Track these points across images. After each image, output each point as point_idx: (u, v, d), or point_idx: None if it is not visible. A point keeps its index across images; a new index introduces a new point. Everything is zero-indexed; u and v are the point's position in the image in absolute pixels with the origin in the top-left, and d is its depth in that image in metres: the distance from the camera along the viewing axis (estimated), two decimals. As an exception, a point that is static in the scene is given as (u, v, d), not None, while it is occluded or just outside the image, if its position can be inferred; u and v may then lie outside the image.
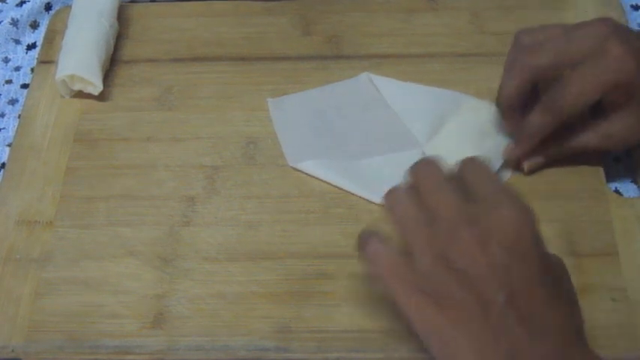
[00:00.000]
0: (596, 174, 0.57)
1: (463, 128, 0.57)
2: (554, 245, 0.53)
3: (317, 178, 0.58)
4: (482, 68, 0.62)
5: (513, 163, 0.57)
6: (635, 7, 0.70)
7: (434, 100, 0.61)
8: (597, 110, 0.55)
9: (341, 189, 0.57)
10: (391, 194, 0.46)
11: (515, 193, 0.44)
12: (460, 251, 0.42)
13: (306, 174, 0.58)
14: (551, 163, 0.58)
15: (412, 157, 0.56)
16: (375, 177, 0.57)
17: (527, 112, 0.55)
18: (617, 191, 0.58)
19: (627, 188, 0.59)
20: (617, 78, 0.51)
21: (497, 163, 0.57)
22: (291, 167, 0.59)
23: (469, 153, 0.54)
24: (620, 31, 0.53)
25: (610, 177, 0.59)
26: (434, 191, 0.44)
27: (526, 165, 0.57)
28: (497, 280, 0.41)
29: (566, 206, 0.56)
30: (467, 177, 0.45)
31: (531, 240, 0.42)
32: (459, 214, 0.43)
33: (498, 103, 0.58)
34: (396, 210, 0.45)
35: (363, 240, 0.45)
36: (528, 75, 0.54)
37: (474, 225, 0.42)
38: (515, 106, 0.56)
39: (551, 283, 0.42)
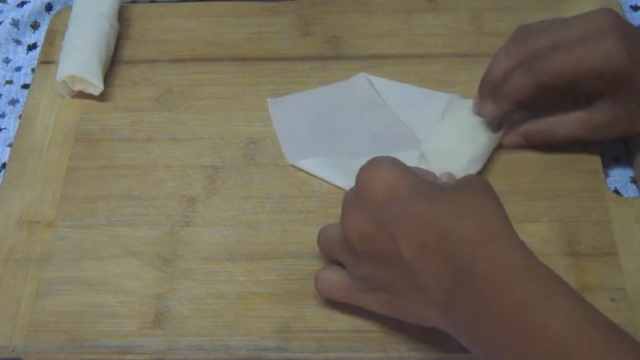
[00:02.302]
0: (596, 174, 0.57)
1: (458, 127, 0.57)
2: (554, 245, 0.54)
3: (316, 177, 0.58)
4: (482, 68, 0.61)
5: (488, 120, 0.57)
6: (635, 8, 0.70)
7: (430, 101, 0.61)
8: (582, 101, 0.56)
9: (340, 188, 0.57)
10: (318, 235, 0.51)
11: (373, 161, 0.47)
12: (352, 234, 0.46)
13: (306, 174, 0.58)
14: (551, 163, 0.58)
15: (410, 156, 0.56)
16: None
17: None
18: (616, 191, 0.58)
19: (627, 188, 0.59)
20: (605, 65, 0.51)
21: (485, 158, 0.57)
22: (291, 166, 0.59)
23: (464, 151, 0.55)
24: (621, 22, 0.53)
25: (610, 177, 0.59)
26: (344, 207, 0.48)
27: (505, 141, 0.57)
28: (386, 234, 0.44)
29: (566, 206, 0.56)
30: None
31: (392, 184, 0.45)
32: (347, 207, 0.47)
33: (482, 83, 0.57)
34: (320, 243, 0.51)
35: (316, 277, 0.51)
36: (520, 58, 0.54)
37: (352, 204, 0.46)
38: (497, 89, 0.56)
39: (441, 200, 0.44)
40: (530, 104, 0.56)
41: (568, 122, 0.56)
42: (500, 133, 0.58)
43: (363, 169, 0.46)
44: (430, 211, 0.43)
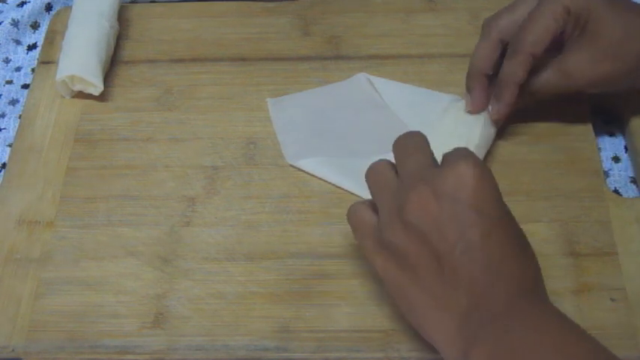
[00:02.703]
0: (595, 174, 0.57)
1: (454, 127, 0.57)
2: (554, 245, 0.54)
3: (316, 177, 0.58)
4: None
5: (500, 123, 0.58)
6: (635, 8, 0.70)
7: (430, 101, 0.61)
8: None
9: (340, 188, 0.57)
10: (371, 166, 0.48)
11: (478, 158, 0.45)
12: (414, 208, 0.43)
13: (306, 173, 0.58)
14: (551, 163, 0.58)
15: None
16: None
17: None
18: (616, 191, 0.58)
19: (627, 188, 0.59)
20: (566, 4, 0.53)
21: (482, 156, 0.57)
22: (291, 166, 0.59)
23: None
24: None
25: (610, 177, 0.59)
26: (405, 158, 0.46)
27: (493, 116, 0.57)
28: (450, 233, 0.42)
29: (566, 206, 0.56)
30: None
31: (486, 193, 0.43)
32: (420, 174, 0.44)
33: (468, 75, 0.58)
34: (372, 177, 0.48)
35: (352, 205, 0.49)
36: (496, 34, 0.56)
37: (430, 181, 0.44)
38: (483, 76, 0.57)
39: (511, 237, 0.43)
40: None
41: (543, 72, 0.56)
42: (494, 129, 0.58)
43: (458, 153, 0.45)
44: (497, 239, 0.43)
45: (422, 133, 0.48)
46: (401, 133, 0.49)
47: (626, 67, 0.55)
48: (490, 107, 0.57)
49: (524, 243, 0.45)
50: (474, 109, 0.57)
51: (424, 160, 0.46)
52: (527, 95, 0.57)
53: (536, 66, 0.55)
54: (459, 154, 0.44)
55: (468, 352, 0.41)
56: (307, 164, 0.58)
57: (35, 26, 0.72)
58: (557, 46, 0.56)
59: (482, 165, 0.44)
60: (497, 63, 0.56)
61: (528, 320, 0.41)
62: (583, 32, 0.54)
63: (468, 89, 0.58)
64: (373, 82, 0.63)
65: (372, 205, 0.48)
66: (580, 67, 0.55)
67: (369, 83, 0.63)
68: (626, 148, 0.61)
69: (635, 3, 0.57)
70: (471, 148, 0.56)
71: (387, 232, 0.45)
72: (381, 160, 0.48)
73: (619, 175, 0.59)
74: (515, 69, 0.55)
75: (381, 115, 0.61)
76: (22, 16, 0.71)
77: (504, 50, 0.56)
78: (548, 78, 0.56)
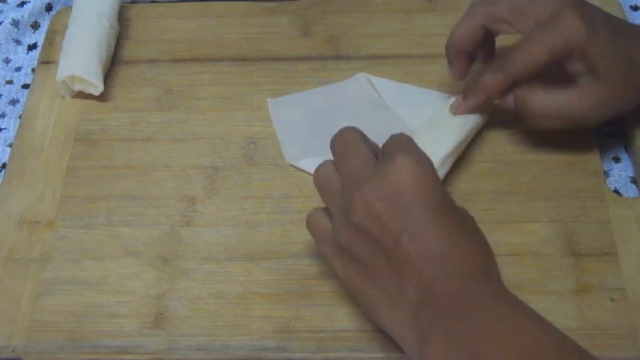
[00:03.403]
0: (596, 174, 0.57)
1: (453, 124, 0.57)
2: (553, 245, 0.54)
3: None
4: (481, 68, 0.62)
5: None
6: (635, 8, 0.70)
7: (430, 101, 0.61)
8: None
9: (303, 170, 0.57)
10: (316, 170, 0.49)
11: (416, 147, 0.46)
12: (359, 210, 0.44)
13: (306, 173, 0.58)
14: (551, 163, 0.58)
15: None
16: None
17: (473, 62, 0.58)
18: (616, 191, 0.58)
19: (627, 188, 0.59)
20: (566, 43, 0.52)
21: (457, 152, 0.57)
22: (291, 166, 0.59)
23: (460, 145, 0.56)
24: (579, 1, 0.54)
25: (610, 177, 0.59)
26: (345, 156, 0.47)
27: (451, 108, 0.57)
28: (394, 228, 0.43)
29: (566, 206, 0.56)
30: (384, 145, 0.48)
31: (424, 184, 0.44)
32: (359, 174, 0.45)
33: (447, 47, 0.58)
34: (318, 182, 0.49)
35: (309, 213, 0.50)
36: (481, 20, 0.55)
37: (369, 181, 0.44)
38: (463, 52, 0.57)
39: (454, 224, 0.43)
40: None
41: (548, 106, 0.55)
42: (457, 99, 0.58)
43: (395, 146, 0.45)
44: (440, 227, 0.43)
45: (355, 128, 0.49)
46: (400, 131, 0.49)
47: (632, 98, 0.55)
48: (454, 100, 0.58)
49: (473, 231, 0.45)
50: (456, 78, 0.58)
51: (362, 157, 0.47)
52: (530, 119, 0.56)
53: (542, 98, 0.54)
54: (396, 147, 0.45)
55: (423, 344, 0.41)
56: (307, 164, 0.58)
57: (35, 26, 0.72)
58: (558, 68, 0.54)
59: (419, 155, 0.45)
60: (478, 44, 0.57)
61: (482, 308, 0.41)
62: (588, 72, 0.53)
63: (449, 62, 0.58)
64: (373, 82, 0.63)
65: (328, 210, 0.49)
66: (586, 107, 0.54)
67: (369, 83, 0.63)
68: (626, 148, 0.61)
69: (634, 26, 0.57)
70: (453, 144, 0.56)
71: (341, 236, 0.46)
72: (324, 163, 0.49)
73: (619, 175, 0.59)
74: (492, 83, 0.55)
75: (382, 115, 0.61)
76: (22, 16, 0.71)
77: (487, 34, 0.56)
78: (554, 114, 0.55)
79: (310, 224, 0.49)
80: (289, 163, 0.59)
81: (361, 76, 0.63)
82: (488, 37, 0.57)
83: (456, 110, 0.57)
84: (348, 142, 0.48)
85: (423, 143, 0.49)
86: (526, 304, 0.41)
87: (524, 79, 0.54)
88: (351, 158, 0.47)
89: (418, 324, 0.42)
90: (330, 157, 0.58)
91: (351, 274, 0.46)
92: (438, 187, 0.44)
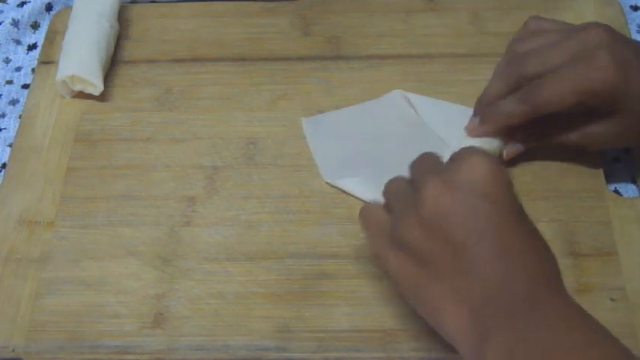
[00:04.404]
0: (595, 174, 0.58)
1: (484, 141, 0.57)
2: (554, 245, 0.54)
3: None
4: (481, 68, 0.62)
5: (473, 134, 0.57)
6: (635, 8, 0.70)
7: (466, 117, 0.58)
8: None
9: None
10: (389, 181, 0.49)
11: (487, 152, 0.45)
12: (428, 202, 0.43)
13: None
14: (551, 163, 0.58)
15: None
16: None
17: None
18: (616, 191, 0.58)
19: (627, 188, 0.59)
20: (595, 87, 0.51)
21: None
22: (327, 183, 0.58)
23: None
24: (614, 40, 0.52)
25: (610, 177, 0.59)
26: (420, 167, 0.47)
27: (505, 153, 0.57)
28: (465, 224, 0.42)
29: (566, 206, 0.56)
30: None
31: (501, 185, 0.43)
32: (431, 168, 0.45)
33: (480, 99, 0.57)
34: (388, 188, 0.48)
35: (364, 206, 0.49)
36: (514, 82, 0.55)
37: (442, 174, 0.44)
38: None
39: (525, 227, 0.43)
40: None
41: (567, 130, 0.55)
42: (474, 120, 0.57)
43: (466, 150, 0.45)
44: (514, 227, 0.42)
45: (436, 154, 0.48)
46: (438, 149, 0.49)
47: None
48: (470, 120, 0.57)
49: (540, 238, 0.44)
50: (472, 134, 0.57)
51: (433, 158, 0.47)
52: (544, 140, 0.57)
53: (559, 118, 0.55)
54: (470, 150, 0.45)
55: (484, 342, 0.41)
56: (346, 184, 0.57)
57: (35, 26, 0.72)
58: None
59: (495, 159, 0.44)
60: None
61: (551, 315, 0.40)
62: (616, 108, 0.53)
63: (475, 114, 0.57)
64: (409, 98, 0.62)
65: (384, 207, 0.48)
66: (605, 137, 0.54)
67: (405, 100, 0.62)
68: (626, 148, 0.61)
69: None
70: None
71: (402, 229, 0.44)
72: (397, 176, 0.48)
73: (619, 175, 0.59)
74: (517, 114, 0.54)
75: (418, 132, 0.60)
76: (22, 16, 0.71)
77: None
78: (569, 136, 0.55)
79: (364, 217, 0.48)
80: (326, 182, 0.58)
81: (397, 93, 0.62)
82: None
83: (471, 132, 0.57)
84: (425, 160, 0.48)
85: None
86: (592, 316, 0.41)
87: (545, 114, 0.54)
88: (422, 159, 0.47)
89: (481, 322, 0.41)
90: (369, 176, 0.57)
91: (409, 271, 0.44)
92: (511, 188, 0.44)
